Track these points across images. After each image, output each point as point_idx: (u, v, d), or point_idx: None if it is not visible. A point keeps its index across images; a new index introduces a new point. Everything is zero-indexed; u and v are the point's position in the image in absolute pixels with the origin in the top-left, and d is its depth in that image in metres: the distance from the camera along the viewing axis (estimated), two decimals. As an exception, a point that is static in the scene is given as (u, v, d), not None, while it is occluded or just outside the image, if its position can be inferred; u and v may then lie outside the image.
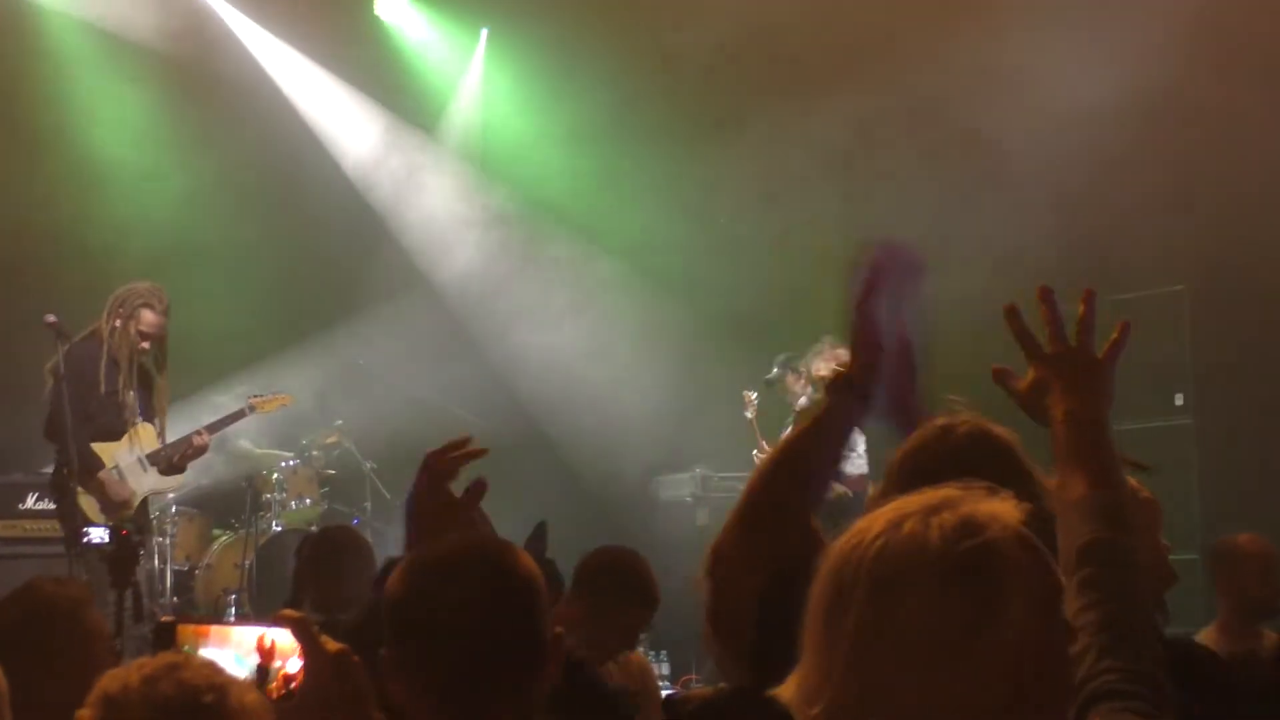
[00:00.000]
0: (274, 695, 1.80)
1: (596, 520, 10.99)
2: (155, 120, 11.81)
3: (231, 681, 1.72)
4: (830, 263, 11.31)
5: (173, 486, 9.69)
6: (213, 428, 9.68)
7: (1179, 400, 10.29)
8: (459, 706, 2.28)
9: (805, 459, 2.76)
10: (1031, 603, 1.67)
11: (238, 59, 12.30)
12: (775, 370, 10.85)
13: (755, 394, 10.79)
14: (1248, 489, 9.61)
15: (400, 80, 12.91)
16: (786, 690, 1.72)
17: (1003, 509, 1.71)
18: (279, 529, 11.04)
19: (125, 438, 9.03)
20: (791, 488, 2.73)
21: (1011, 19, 10.30)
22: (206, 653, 1.80)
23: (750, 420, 10.81)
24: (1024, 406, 2.41)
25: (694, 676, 10.06)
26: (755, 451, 10.67)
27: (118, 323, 8.91)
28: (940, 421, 2.75)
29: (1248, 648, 5.40)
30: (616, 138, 12.10)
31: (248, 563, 10.59)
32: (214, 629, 1.85)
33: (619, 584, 5.21)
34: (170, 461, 9.25)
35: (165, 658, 1.71)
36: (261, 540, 10.81)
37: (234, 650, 1.84)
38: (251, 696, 1.72)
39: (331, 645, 1.83)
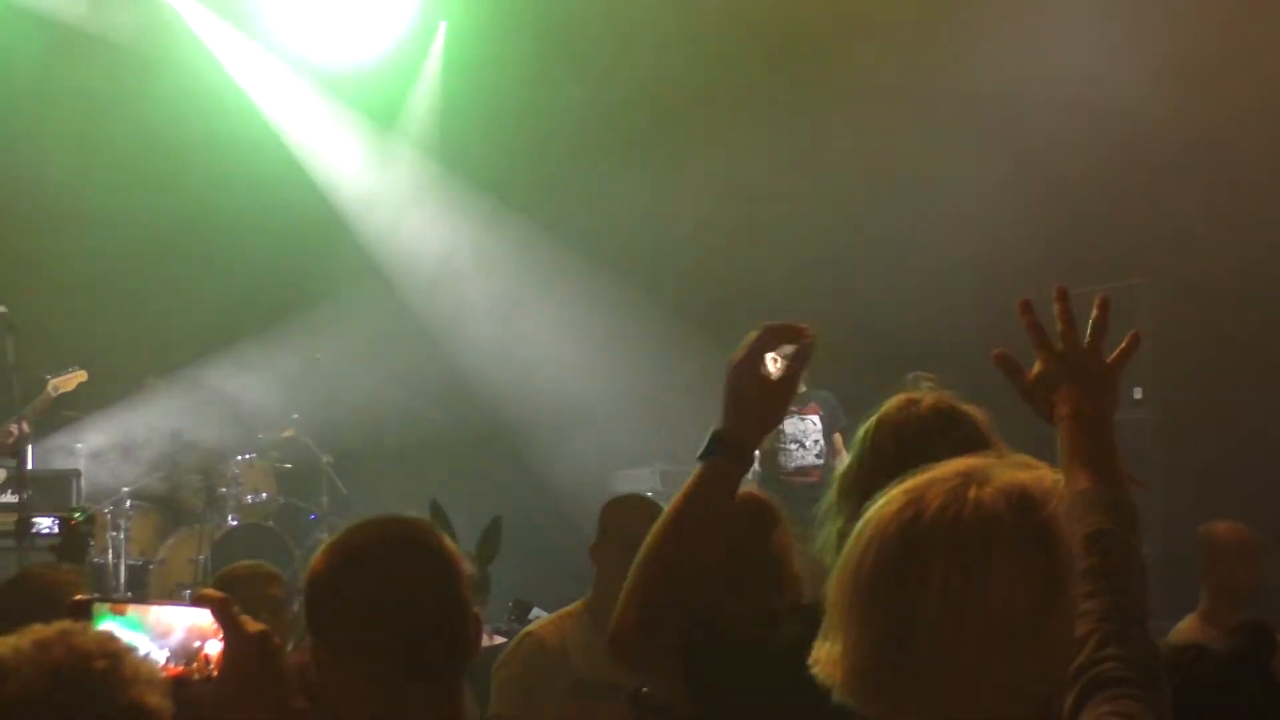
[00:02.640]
0: (195, 676, 1.75)
1: (554, 514, 10.94)
2: (102, 110, 11.68)
3: (126, 650, 1.66)
4: (797, 253, 11.33)
5: None
6: (28, 416, 9.50)
7: (1137, 394, 10.30)
8: (387, 691, 2.24)
9: (693, 529, 2.66)
10: (1075, 579, 1.73)
11: (191, 47, 12.18)
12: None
13: None
14: (1207, 482, 9.62)
15: (358, 72, 12.80)
16: (824, 666, 1.71)
17: (1050, 480, 1.75)
18: (234, 523, 10.97)
19: None
20: (685, 560, 2.64)
21: (980, 13, 10.31)
22: (122, 634, 1.74)
23: None
24: (1026, 396, 2.45)
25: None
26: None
27: None
28: (904, 395, 2.77)
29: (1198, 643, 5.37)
30: (579, 127, 12.03)
31: (202, 557, 10.50)
32: (130, 610, 1.79)
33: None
34: None
35: (59, 625, 1.65)
36: (217, 535, 10.74)
37: (150, 632, 1.78)
38: (145, 666, 1.66)
39: (253, 626, 1.79)
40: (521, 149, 12.08)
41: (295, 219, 12.48)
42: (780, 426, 10.10)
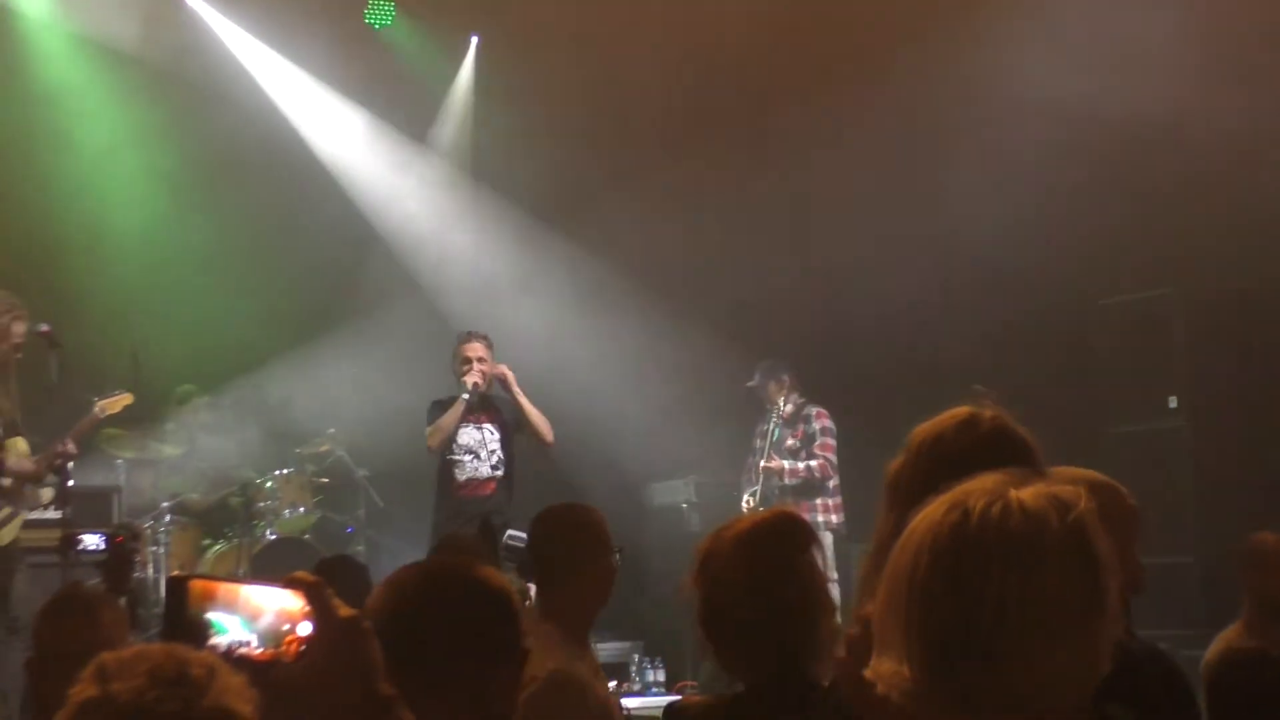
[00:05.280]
0: (284, 659, 1.77)
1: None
2: (144, 130, 11.79)
3: (222, 664, 1.72)
4: (829, 267, 11.32)
5: (46, 500, 9.07)
6: (75, 435, 9.23)
7: (1172, 403, 10.29)
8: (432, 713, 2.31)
9: None
10: (1114, 576, 1.73)
11: (227, 68, 12.28)
12: (757, 378, 10.80)
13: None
14: (1242, 491, 9.60)
15: (391, 87, 12.88)
16: (884, 680, 1.73)
17: (1075, 488, 1.77)
18: (273, 537, 11.03)
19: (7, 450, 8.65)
20: None
21: (1003, 21, 10.31)
22: (214, 615, 1.78)
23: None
24: None
25: (690, 683, 10.04)
26: (761, 461, 10.59)
27: None
28: (965, 412, 2.77)
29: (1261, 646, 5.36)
30: (612, 142, 12.07)
31: (240, 572, 10.56)
32: (223, 588, 1.81)
33: (588, 537, 4.68)
34: (43, 475, 8.83)
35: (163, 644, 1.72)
36: (255, 549, 10.80)
37: (240, 614, 1.80)
38: (239, 680, 1.71)
39: (344, 610, 1.80)
40: (556, 165, 12.13)
41: (334, 235, 12.57)
42: (454, 438, 9.63)
